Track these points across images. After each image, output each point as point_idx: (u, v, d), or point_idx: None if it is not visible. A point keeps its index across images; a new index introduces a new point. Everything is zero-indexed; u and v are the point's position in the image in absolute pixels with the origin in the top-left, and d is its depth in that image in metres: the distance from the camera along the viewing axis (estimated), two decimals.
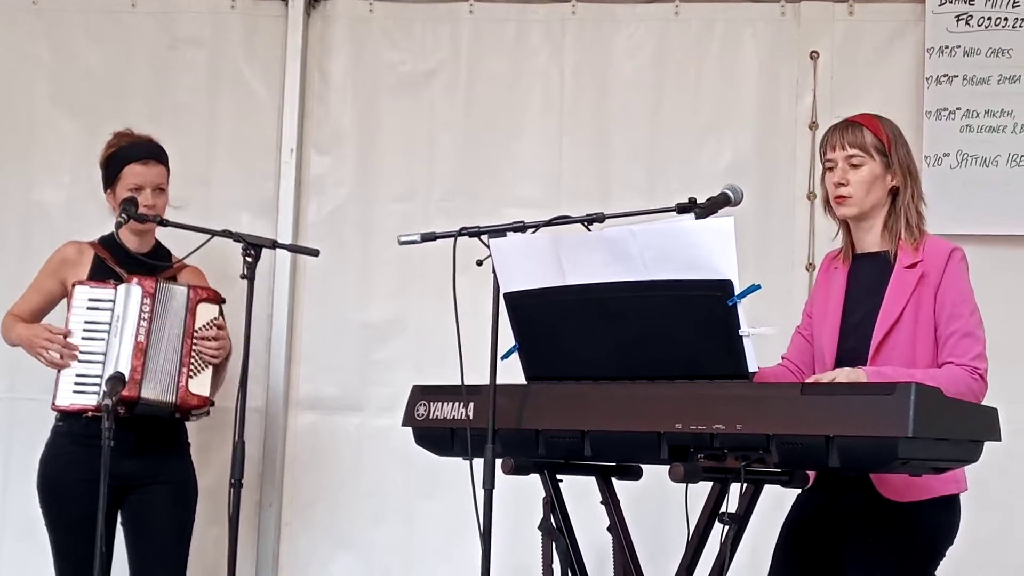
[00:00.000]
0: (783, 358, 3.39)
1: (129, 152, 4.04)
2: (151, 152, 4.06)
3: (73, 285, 3.94)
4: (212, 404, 4.00)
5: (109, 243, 4.09)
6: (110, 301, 3.91)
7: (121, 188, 4.03)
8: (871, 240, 3.23)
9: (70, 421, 3.94)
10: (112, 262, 4.03)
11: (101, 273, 4.00)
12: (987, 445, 2.84)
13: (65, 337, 3.88)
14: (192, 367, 3.94)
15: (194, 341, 3.94)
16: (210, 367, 3.97)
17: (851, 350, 3.15)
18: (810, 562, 3.23)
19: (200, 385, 3.94)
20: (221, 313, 4.02)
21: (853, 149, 3.17)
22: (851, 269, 3.26)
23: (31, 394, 4.32)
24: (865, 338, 3.13)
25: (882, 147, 3.17)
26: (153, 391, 3.87)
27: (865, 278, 3.22)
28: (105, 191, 4.11)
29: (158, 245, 4.16)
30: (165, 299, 3.94)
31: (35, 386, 4.07)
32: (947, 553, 3.16)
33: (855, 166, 3.18)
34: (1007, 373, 3.59)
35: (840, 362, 3.15)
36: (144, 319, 3.89)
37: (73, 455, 3.91)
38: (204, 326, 3.96)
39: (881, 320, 3.12)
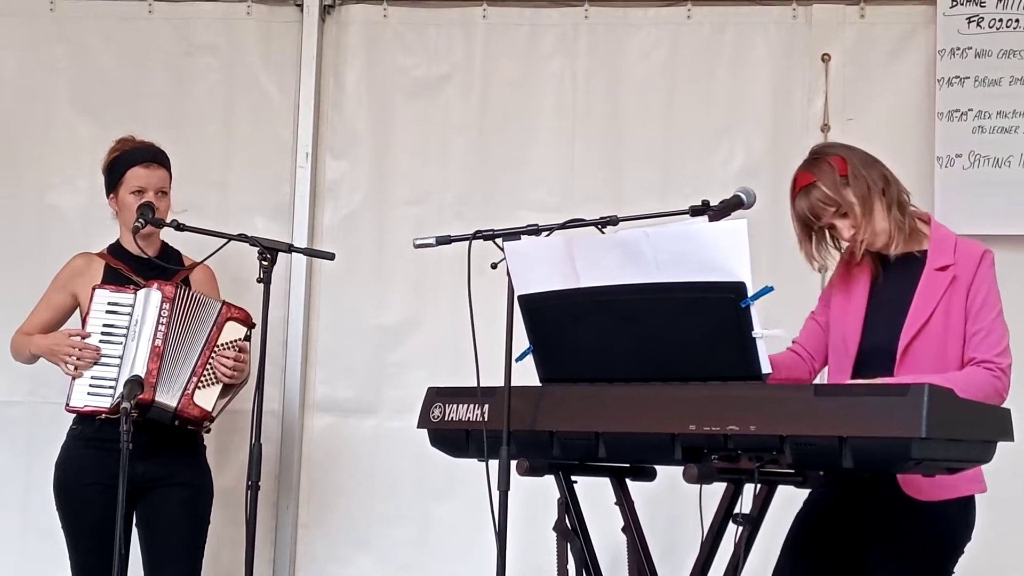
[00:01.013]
0: (794, 342, 3.40)
1: (132, 156, 4.06)
2: (153, 156, 4.07)
3: (93, 289, 3.95)
4: (212, 420, 4.00)
5: (117, 251, 4.11)
6: (129, 306, 3.93)
7: (124, 191, 4.04)
8: (894, 245, 3.21)
9: (84, 424, 3.96)
10: (126, 270, 4.05)
11: (116, 281, 4.02)
12: (1003, 446, 2.85)
13: (84, 339, 3.90)
14: (203, 379, 3.94)
15: (212, 354, 3.96)
16: (220, 384, 3.98)
17: (875, 348, 3.16)
18: (822, 556, 3.24)
19: (205, 398, 3.94)
20: (248, 338, 4.02)
21: (828, 206, 3.16)
22: (875, 268, 3.25)
23: (53, 397, 4.34)
24: (891, 338, 3.14)
25: (837, 183, 3.15)
26: (164, 395, 3.89)
27: (892, 278, 3.22)
28: (108, 196, 4.12)
29: (164, 246, 4.17)
30: (194, 307, 3.95)
31: (56, 390, 4.09)
32: (966, 551, 3.17)
33: (843, 215, 3.17)
34: (1021, 372, 3.60)
35: (863, 358, 3.17)
36: (162, 323, 3.90)
37: (87, 459, 3.94)
38: (227, 343, 3.97)
39: (910, 322, 3.13)
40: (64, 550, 4.00)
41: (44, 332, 4.06)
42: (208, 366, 3.94)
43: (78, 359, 3.88)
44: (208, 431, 4.07)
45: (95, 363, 3.89)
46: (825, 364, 3.35)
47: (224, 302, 4.00)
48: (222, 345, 3.96)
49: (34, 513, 4.56)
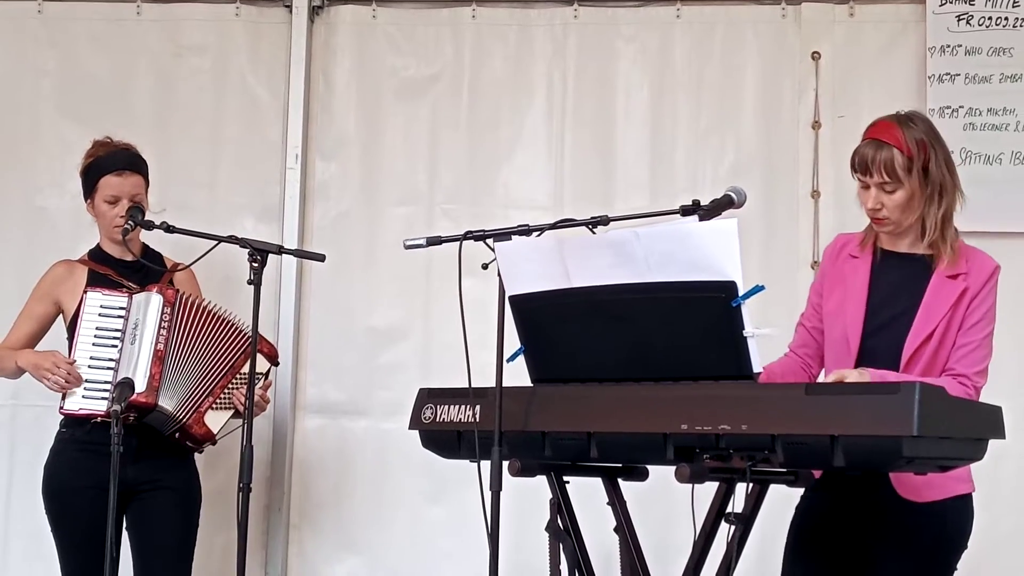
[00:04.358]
0: (790, 348, 3.38)
1: (104, 163, 4.03)
2: (126, 163, 4.03)
3: (84, 292, 3.95)
4: (213, 443, 4.01)
5: (100, 256, 4.10)
6: (122, 308, 3.92)
7: (98, 199, 4.03)
8: (903, 243, 3.20)
9: (74, 428, 3.95)
10: (113, 275, 4.04)
11: (104, 285, 4.00)
12: (1001, 445, 2.86)
13: (71, 365, 3.87)
14: (219, 401, 3.95)
15: (234, 379, 3.96)
16: (233, 410, 3.98)
17: (877, 349, 3.14)
18: (827, 561, 3.23)
19: (215, 420, 3.95)
20: (268, 374, 4.05)
21: (883, 176, 3.09)
22: (876, 263, 3.22)
23: (35, 401, 4.35)
24: (895, 342, 3.12)
25: (912, 164, 3.09)
26: (168, 403, 3.88)
27: (896, 277, 3.19)
28: (86, 201, 4.11)
29: (145, 247, 4.16)
30: (205, 320, 3.95)
31: (39, 393, 4.07)
32: (967, 546, 3.18)
33: (888, 192, 3.11)
34: (1011, 371, 3.61)
35: (864, 359, 3.14)
36: (164, 327, 3.89)
37: (78, 462, 3.93)
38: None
39: (917, 329, 3.11)
40: (49, 554, 3.99)
41: (28, 344, 4.05)
42: (227, 389, 3.94)
43: (64, 380, 3.85)
44: (201, 452, 4.07)
45: (79, 385, 3.85)
46: (823, 367, 3.33)
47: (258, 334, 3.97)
48: (245, 374, 3.94)
49: (17, 516, 4.59)
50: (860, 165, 3.14)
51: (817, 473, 3.10)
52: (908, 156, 3.09)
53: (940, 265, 3.14)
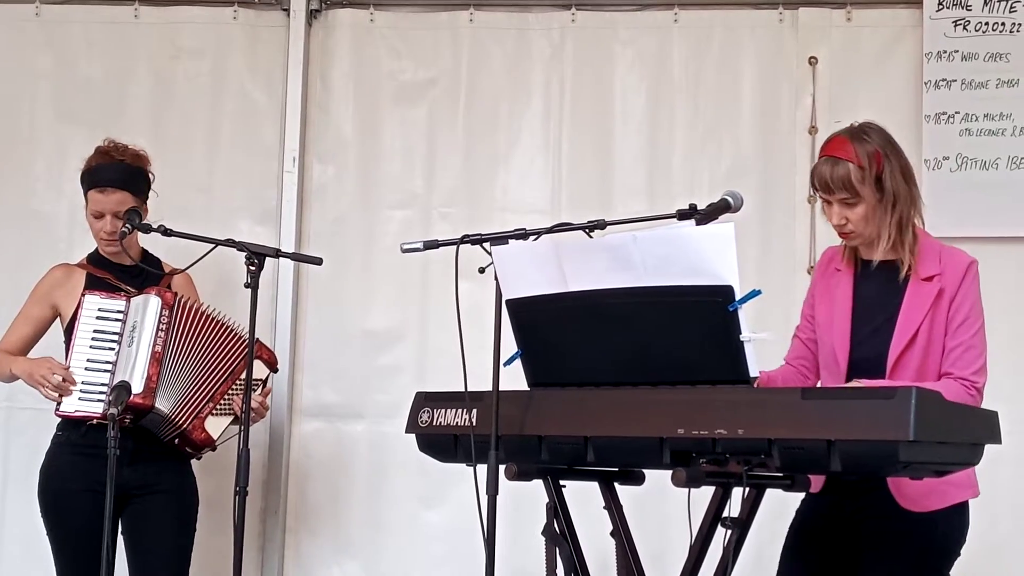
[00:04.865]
0: (786, 360, 3.40)
1: (92, 177, 4.03)
2: (111, 179, 4.01)
3: (83, 295, 3.95)
4: (213, 449, 4.02)
5: (98, 260, 4.10)
6: (120, 312, 3.92)
7: (87, 211, 4.06)
8: (877, 251, 3.21)
9: (70, 431, 3.95)
10: (112, 279, 4.04)
11: (102, 289, 4.00)
12: (997, 450, 2.86)
13: (65, 371, 3.87)
14: (220, 407, 3.96)
15: (234, 385, 3.96)
16: (233, 415, 3.98)
17: (865, 360, 3.15)
18: (821, 563, 3.24)
19: (215, 426, 3.95)
20: (267, 380, 4.06)
21: (842, 192, 3.13)
22: (857, 274, 3.25)
23: (30, 403, 4.34)
24: (881, 350, 3.13)
25: (867, 176, 3.13)
26: (165, 404, 3.88)
27: (875, 286, 3.21)
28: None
29: (145, 252, 4.17)
30: (203, 324, 3.96)
31: (34, 395, 4.07)
32: (962, 555, 3.19)
33: (850, 206, 3.14)
34: (1008, 375, 3.61)
35: (854, 371, 3.15)
36: (162, 329, 3.89)
37: (74, 465, 3.93)
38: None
39: (899, 334, 3.12)
40: (42, 555, 3.99)
41: (24, 346, 4.06)
42: (228, 396, 3.95)
43: (57, 388, 3.84)
44: (200, 459, 4.07)
45: (72, 391, 3.85)
46: (819, 378, 3.34)
47: (256, 339, 3.96)
48: (244, 381, 3.95)
49: (12, 519, 4.59)
50: (819, 183, 3.17)
51: (818, 484, 3.11)
52: (861, 169, 3.12)
53: (912, 270, 3.16)
